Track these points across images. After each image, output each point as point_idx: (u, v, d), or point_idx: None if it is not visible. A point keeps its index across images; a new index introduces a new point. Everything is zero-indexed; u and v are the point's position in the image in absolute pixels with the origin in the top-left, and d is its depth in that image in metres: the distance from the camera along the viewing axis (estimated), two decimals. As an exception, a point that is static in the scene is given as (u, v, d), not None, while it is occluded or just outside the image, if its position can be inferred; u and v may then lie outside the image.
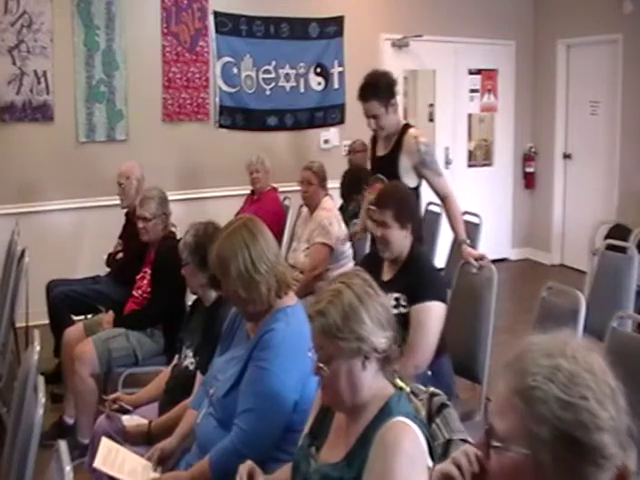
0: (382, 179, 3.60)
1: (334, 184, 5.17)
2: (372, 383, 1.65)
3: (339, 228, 4.38)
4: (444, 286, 2.93)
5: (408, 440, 1.54)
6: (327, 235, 4.28)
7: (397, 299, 2.85)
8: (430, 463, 1.56)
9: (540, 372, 1.01)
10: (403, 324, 2.71)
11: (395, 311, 2.77)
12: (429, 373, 2.86)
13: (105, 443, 2.38)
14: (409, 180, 3.59)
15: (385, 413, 1.61)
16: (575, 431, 0.98)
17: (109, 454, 2.33)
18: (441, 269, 4.31)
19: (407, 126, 3.75)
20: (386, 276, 2.96)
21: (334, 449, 1.69)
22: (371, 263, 2.98)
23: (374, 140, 3.89)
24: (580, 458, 0.99)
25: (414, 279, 2.87)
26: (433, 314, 2.83)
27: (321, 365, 1.64)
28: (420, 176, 3.63)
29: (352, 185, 5.13)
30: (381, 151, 3.77)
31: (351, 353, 1.62)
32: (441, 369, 2.91)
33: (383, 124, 3.65)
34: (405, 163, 3.61)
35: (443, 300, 2.87)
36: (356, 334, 1.61)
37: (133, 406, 2.79)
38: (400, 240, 2.93)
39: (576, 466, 0.99)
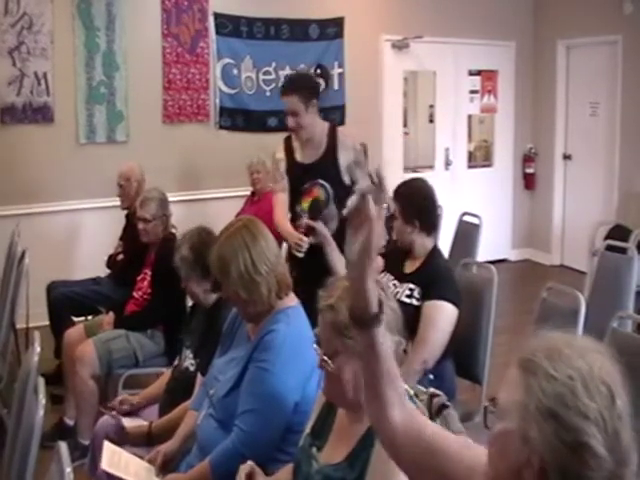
0: (322, 184, 3.47)
1: (334, 185, 5.17)
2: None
3: (339, 229, 4.37)
4: (459, 292, 2.95)
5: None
6: (327, 236, 4.27)
7: (412, 290, 2.90)
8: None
9: (540, 350, 1.06)
10: (413, 316, 2.73)
11: (407, 300, 2.84)
12: (431, 377, 2.87)
13: (108, 446, 2.38)
14: (347, 178, 3.52)
15: (387, 414, 1.61)
16: (556, 406, 1.00)
17: (113, 456, 2.33)
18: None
19: (335, 126, 3.64)
20: (407, 269, 3.03)
21: (336, 450, 1.69)
22: (393, 255, 3.08)
23: (289, 147, 3.65)
24: (563, 442, 1.00)
25: (431, 276, 2.91)
26: (444, 313, 2.85)
27: (325, 359, 1.64)
28: (350, 176, 3.51)
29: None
30: (310, 158, 3.55)
31: (356, 352, 1.62)
32: (443, 373, 2.92)
33: (302, 122, 3.47)
34: (343, 162, 3.50)
35: (456, 305, 2.88)
36: None
37: (139, 405, 2.80)
38: (404, 233, 3.00)
39: (560, 452, 1.00)
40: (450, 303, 2.85)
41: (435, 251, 3.04)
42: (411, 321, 2.61)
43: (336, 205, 3.41)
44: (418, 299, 2.88)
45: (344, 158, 3.50)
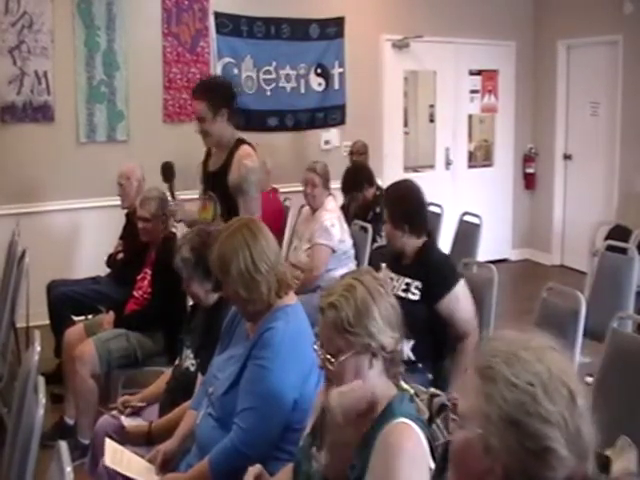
0: (212, 197, 3.43)
1: (334, 184, 5.17)
2: (377, 382, 1.65)
3: (341, 229, 4.38)
4: (456, 269, 3.10)
5: (410, 441, 1.54)
6: (329, 237, 4.28)
7: (408, 284, 2.94)
8: (432, 464, 1.56)
9: (499, 356, 1.06)
10: (410, 311, 2.74)
11: (403, 295, 2.89)
12: (430, 376, 2.87)
13: (109, 444, 2.39)
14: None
15: (388, 414, 1.61)
16: (518, 414, 1.00)
17: (115, 454, 2.33)
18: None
19: (240, 142, 3.49)
20: (404, 262, 3.07)
21: (335, 450, 1.69)
22: (389, 251, 3.17)
23: (208, 151, 3.62)
24: (526, 449, 1.00)
25: (428, 267, 2.94)
26: (461, 296, 2.94)
27: (329, 357, 1.62)
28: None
29: (353, 183, 5.13)
30: (213, 166, 3.53)
31: (360, 349, 1.61)
32: (442, 373, 2.92)
33: (207, 129, 3.40)
34: (230, 180, 3.40)
35: (460, 279, 2.98)
36: (367, 330, 1.61)
37: (141, 407, 2.80)
38: (394, 238, 3.05)
39: (523, 458, 1.00)
40: (456, 285, 2.93)
41: (428, 242, 3.08)
42: (408, 317, 2.62)
43: (224, 220, 3.29)
44: (414, 293, 2.91)
45: (231, 177, 3.40)
